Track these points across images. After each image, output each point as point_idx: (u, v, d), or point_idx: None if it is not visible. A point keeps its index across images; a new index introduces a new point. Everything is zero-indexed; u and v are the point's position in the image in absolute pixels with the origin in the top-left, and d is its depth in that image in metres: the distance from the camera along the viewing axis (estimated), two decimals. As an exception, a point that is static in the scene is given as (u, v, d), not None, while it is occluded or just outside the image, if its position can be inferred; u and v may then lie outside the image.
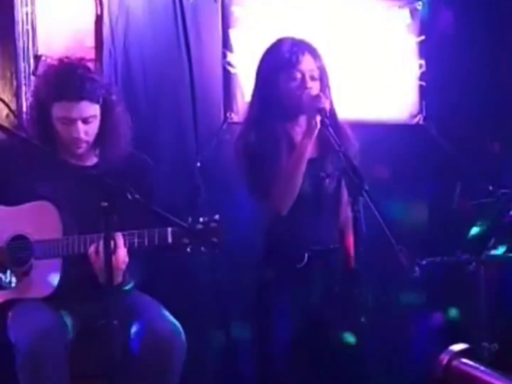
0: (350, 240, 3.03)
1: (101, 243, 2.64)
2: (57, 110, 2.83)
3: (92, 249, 2.70)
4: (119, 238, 2.68)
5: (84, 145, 2.88)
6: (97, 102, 2.85)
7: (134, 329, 2.76)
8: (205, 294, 3.73)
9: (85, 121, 2.83)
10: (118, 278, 2.70)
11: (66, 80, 2.82)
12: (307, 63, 2.94)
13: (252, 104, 3.03)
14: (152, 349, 2.70)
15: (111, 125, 2.91)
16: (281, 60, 2.94)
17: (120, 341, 2.47)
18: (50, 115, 2.85)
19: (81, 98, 2.80)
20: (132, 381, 2.70)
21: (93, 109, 2.84)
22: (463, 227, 3.62)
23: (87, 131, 2.86)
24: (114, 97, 2.94)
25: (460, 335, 3.23)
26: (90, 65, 2.97)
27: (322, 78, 2.99)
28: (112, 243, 2.59)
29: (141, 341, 2.72)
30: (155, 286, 3.06)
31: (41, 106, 2.88)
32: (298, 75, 2.93)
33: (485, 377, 1.53)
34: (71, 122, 2.82)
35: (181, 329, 2.77)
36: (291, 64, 2.93)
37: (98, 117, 2.88)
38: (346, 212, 3.06)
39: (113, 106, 2.92)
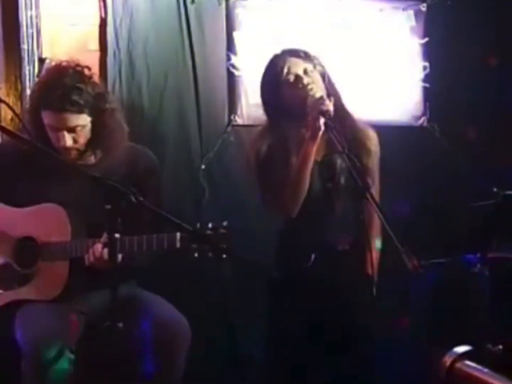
0: (372, 243, 2.95)
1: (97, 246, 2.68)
2: (45, 118, 2.84)
3: (92, 257, 2.71)
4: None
5: (74, 152, 2.89)
6: (82, 112, 2.83)
7: (142, 324, 2.77)
8: (211, 295, 3.73)
9: (71, 130, 2.83)
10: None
11: (51, 89, 2.81)
12: (297, 68, 2.96)
13: (266, 115, 3.06)
14: (159, 340, 2.73)
15: (105, 133, 2.90)
16: (278, 75, 2.98)
17: (126, 341, 2.48)
18: (42, 121, 2.86)
19: (63, 109, 2.79)
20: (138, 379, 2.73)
21: (78, 119, 2.83)
22: (468, 228, 3.62)
23: (76, 139, 2.86)
24: (107, 105, 2.91)
25: (464, 336, 3.23)
26: (88, 71, 2.92)
27: (325, 79, 2.99)
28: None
29: (149, 335, 2.74)
30: (161, 288, 3.07)
31: (34, 111, 2.89)
32: (299, 85, 2.95)
33: (489, 380, 1.53)
34: (58, 130, 2.83)
35: (186, 321, 2.81)
36: (287, 74, 2.96)
37: (88, 126, 2.86)
38: (370, 210, 2.87)
39: (106, 115, 2.90)
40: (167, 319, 2.79)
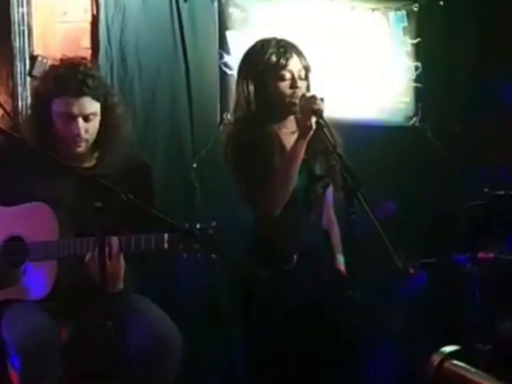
0: (335, 241, 3.04)
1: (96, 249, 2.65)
2: (58, 106, 2.81)
3: (88, 256, 2.68)
4: (115, 243, 2.66)
5: (83, 144, 2.86)
6: (98, 99, 2.84)
7: (132, 328, 2.73)
8: (197, 296, 3.73)
9: (86, 118, 2.82)
10: (118, 284, 2.70)
11: (67, 75, 2.81)
12: (295, 64, 2.94)
13: (238, 105, 3.01)
14: (150, 348, 2.68)
15: (111, 126, 2.90)
16: (268, 61, 2.93)
17: (115, 341, 2.47)
18: (50, 113, 2.84)
19: (82, 93, 2.79)
20: (129, 380, 2.70)
21: (94, 106, 2.83)
22: (459, 228, 3.63)
23: (87, 129, 2.84)
24: (115, 99, 2.94)
25: (454, 336, 3.24)
26: (91, 65, 2.97)
27: (308, 78, 2.99)
28: (107, 248, 2.60)
29: (139, 340, 2.70)
30: (149, 288, 3.06)
31: (41, 104, 2.87)
32: (288, 76, 2.93)
33: (476, 379, 1.54)
34: (72, 118, 2.81)
35: (177, 330, 2.76)
36: (281, 65, 2.92)
37: (98, 116, 2.86)
38: (329, 213, 3.08)
39: (114, 107, 2.91)
40: (159, 323, 2.75)
